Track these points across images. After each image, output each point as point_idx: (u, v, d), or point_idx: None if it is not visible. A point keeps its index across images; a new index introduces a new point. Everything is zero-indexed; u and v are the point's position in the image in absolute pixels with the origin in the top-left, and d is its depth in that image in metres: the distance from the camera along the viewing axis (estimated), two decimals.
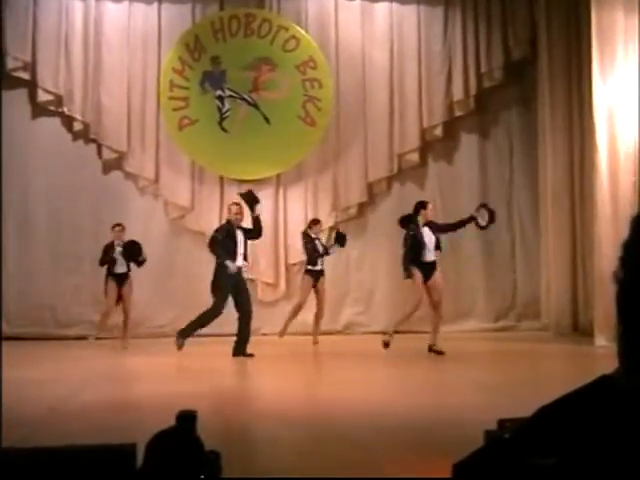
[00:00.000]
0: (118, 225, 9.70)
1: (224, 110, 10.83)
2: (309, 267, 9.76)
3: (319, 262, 9.72)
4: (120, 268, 9.54)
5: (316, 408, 5.92)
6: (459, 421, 5.02)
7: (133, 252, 9.50)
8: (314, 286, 9.70)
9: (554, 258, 10.77)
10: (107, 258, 9.52)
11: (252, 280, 10.96)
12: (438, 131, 11.20)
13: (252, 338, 8.78)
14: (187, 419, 2.51)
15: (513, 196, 11.43)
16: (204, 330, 8.85)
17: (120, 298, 9.59)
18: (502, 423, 3.50)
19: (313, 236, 9.81)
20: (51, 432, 4.73)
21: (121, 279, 9.56)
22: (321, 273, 9.75)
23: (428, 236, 8.63)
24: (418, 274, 8.53)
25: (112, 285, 9.52)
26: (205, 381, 7.01)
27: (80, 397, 6.15)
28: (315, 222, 9.99)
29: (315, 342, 9.66)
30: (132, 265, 9.62)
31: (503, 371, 7.69)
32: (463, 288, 11.13)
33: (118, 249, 9.54)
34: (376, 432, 4.84)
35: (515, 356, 8.87)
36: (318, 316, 9.81)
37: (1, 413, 4.19)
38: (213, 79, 10.83)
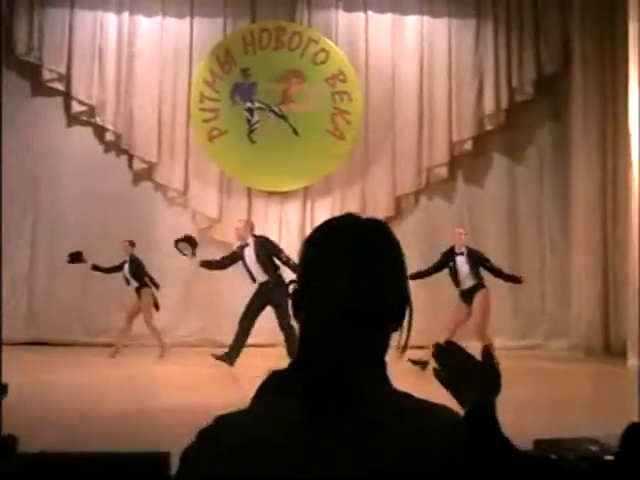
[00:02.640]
0: (126, 241, 9.78)
1: (253, 122, 10.89)
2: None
3: None
4: (132, 283, 9.64)
5: None
6: None
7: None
8: None
9: (585, 275, 10.56)
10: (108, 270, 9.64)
11: None
12: (468, 145, 11.10)
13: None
14: None
15: (543, 212, 11.25)
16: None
17: (137, 312, 9.68)
18: (539, 444, 3.39)
19: None
20: (83, 437, 4.76)
21: (137, 293, 9.65)
22: None
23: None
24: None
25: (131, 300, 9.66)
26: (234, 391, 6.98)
27: (112, 403, 6.18)
28: None
29: None
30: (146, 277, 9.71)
31: (530, 390, 7.51)
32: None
33: (125, 266, 9.65)
34: None
35: (543, 375, 8.67)
36: None
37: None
38: (243, 91, 10.90)
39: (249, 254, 8.72)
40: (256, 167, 10.83)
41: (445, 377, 1.30)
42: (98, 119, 10.89)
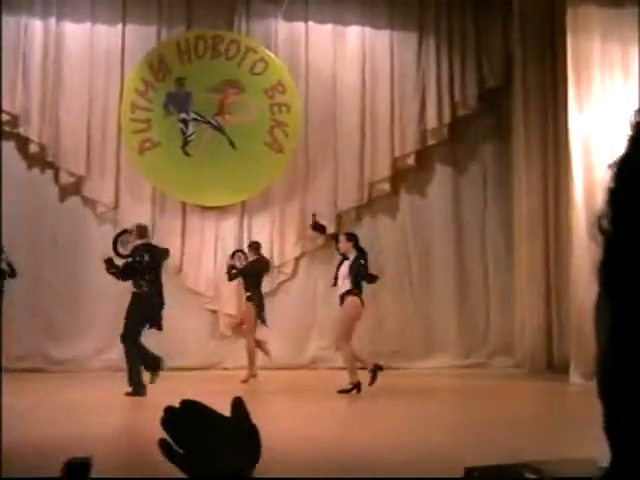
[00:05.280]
0: None
1: (188, 134, 10.42)
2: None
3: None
4: None
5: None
6: (420, 461, 4.58)
7: None
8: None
9: (528, 292, 10.40)
10: None
11: (215, 311, 10.52)
12: (411, 160, 10.86)
13: (214, 372, 8.30)
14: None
15: (487, 227, 11.09)
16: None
17: None
18: (469, 472, 3.10)
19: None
20: None
21: None
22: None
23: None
24: None
25: None
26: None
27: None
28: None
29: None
30: None
31: (470, 410, 7.26)
32: (433, 322, 10.74)
33: None
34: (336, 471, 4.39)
35: (485, 394, 8.44)
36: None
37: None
38: (177, 101, 10.44)
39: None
40: (190, 181, 10.34)
41: (179, 454, 0.91)
42: (22, 129, 10.25)
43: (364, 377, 8.07)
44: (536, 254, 10.41)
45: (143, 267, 7.91)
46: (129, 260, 8.01)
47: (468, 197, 11.08)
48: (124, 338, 7.85)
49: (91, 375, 9.43)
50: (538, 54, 10.58)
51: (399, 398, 7.91)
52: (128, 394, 7.66)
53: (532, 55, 10.58)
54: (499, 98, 11.07)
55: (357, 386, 8.02)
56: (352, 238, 8.44)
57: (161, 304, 8.10)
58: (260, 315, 9.13)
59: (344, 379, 8.16)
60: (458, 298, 10.86)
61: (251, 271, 9.30)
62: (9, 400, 7.40)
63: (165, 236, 10.40)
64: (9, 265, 8.87)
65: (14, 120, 10.26)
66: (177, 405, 0.92)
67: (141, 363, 7.84)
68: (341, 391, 8.01)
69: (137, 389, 7.68)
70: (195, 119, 10.45)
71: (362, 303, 8.25)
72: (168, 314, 9.78)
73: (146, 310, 7.94)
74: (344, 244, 8.35)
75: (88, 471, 2.04)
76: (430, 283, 10.84)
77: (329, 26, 10.86)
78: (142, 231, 8.24)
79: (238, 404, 0.94)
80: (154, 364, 7.86)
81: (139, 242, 8.12)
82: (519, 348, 10.58)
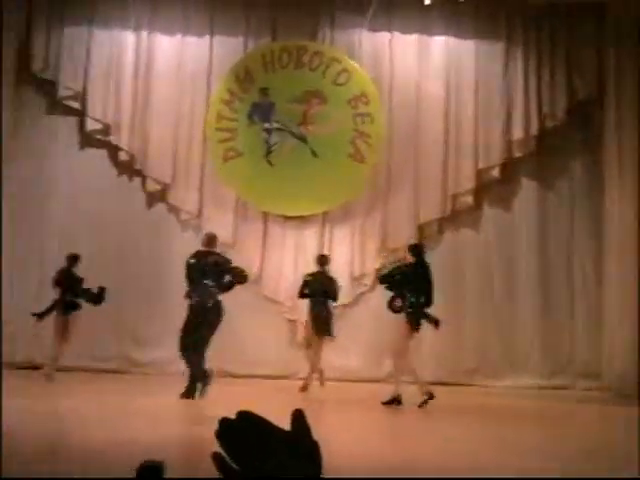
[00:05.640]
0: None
1: (271, 143, 10.51)
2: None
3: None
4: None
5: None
6: None
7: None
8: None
9: (619, 310, 9.94)
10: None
11: (293, 321, 10.52)
12: (495, 172, 10.61)
13: (289, 382, 8.43)
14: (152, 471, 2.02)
15: (575, 246, 10.67)
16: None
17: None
18: None
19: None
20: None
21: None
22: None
23: None
24: None
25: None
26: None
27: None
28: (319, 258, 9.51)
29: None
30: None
31: (550, 436, 6.91)
32: (515, 340, 10.41)
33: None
34: None
35: (568, 417, 8.06)
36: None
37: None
38: (261, 111, 10.55)
39: None
40: (273, 190, 10.42)
41: (233, 470, 0.83)
42: (112, 138, 10.58)
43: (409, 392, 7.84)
44: (628, 271, 9.95)
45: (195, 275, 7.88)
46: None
47: (554, 212, 10.72)
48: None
49: (170, 378, 9.58)
50: (633, 64, 10.15)
51: (477, 417, 7.66)
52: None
53: (626, 65, 10.19)
54: (590, 110, 10.69)
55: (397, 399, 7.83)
56: (410, 249, 8.28)
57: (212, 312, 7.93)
58: (316, 328, 9.05)
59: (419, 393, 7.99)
60: (542, 316, 10.50)
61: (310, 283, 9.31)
62: (88, 398, 7.62)
63: (246, 245, 10.53)
64: (100, 291, 9.10)
65: (106, 129, 10.60)
66: (233, 416, 0.86)
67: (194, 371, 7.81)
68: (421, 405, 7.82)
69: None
70: (278, 129, 10.53)
71: (409, 322, 7.91)
72: (246, 322, 9.94)
73: (192, 318, 7.87)
74: (407, 255, 8.22)
75: (161, 475, 2.02)
76: (513, 299, 10.53)
77: (414, 36, 10.78)
78: (209, 239, 8.26)
79: (299, 417, 0.86)
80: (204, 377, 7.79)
81: (202, 249, 8.14)
82: (607, 370, 10.09)
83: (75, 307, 9.13)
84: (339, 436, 5.59)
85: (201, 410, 7.27)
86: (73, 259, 9.29)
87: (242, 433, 0.83)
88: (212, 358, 9.29)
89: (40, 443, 5.22)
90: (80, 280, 9.18)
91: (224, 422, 0.84)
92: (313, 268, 10.43)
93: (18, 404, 6.35)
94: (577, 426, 7.53)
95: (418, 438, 6.59)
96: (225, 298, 8.23)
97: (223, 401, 7.00)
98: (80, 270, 10.42)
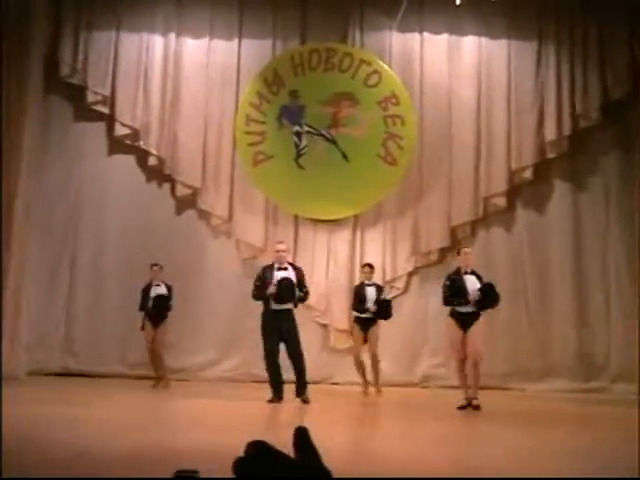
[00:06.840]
0: (155, 265, 9.33)
1: (301, 146, 10.43)
2: (355, 314, 9.28)
3: (367, 309, 9.12)
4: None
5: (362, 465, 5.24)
6: None
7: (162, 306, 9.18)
8: (364, 335, 9.15)
9: None
10: (144, 301, 9.26)
11: (325, 326, 10.45)
12: (528, 174, 10.48)
13: (322, 386, 8.32)
14: None
15: (609, 247, 10.52)
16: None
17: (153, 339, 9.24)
18: None
19: (365, 282, 9.33)
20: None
21: (156, 320, 9.20)
22: (370, 321, 9.14)
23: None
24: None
25: (148, 326, 9.21)
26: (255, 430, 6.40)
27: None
28: (364, 267, 9.52)
29: (377, 392, 9.15)
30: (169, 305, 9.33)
31: (587, 437, 6.79)
32: (551, 343, 10.28)
33: (155, 289, 9.21)
34: None
35: (604, 421, 7.91)
36: (372, 367, 9.22)
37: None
38: (291, 114, 10.47)
39: None
40: (303, 194, 10.35)
41: None
42: (142, 142, 10.54)
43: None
44: None
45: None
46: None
47: (589, 213, 10.57)
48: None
49: (204, 384, 9.56)
50: None
51: (512, 421, 7.54)
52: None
53: None
54: (624, 109, 10.52)
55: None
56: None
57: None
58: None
59: (456, 398, 7.89)
60: (577, 319, 10.36)
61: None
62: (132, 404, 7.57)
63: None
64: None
65: (135, 134, 10.55)
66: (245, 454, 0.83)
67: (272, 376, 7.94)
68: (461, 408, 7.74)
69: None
70: (308, 132, 10.44)
71: (455, 322, 7.86)
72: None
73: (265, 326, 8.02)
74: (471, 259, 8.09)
75: None
76: (547, 302, 10.40)
77: (444, 36, 10.66)
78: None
79: (302, 435, 0.83)
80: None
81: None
82: None
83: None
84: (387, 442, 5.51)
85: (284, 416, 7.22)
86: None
87: (255, 466, 0.82)
88: (250, 365, 9.28)
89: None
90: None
91: (238, 463, 0.84)
92: (344, 272, 10.40)
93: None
94: (624, 430, 7.39)
95: (478, 442, 6.49)
96: (256, 304, 8.22)
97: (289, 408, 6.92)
98: (108, 277, 10.44)
